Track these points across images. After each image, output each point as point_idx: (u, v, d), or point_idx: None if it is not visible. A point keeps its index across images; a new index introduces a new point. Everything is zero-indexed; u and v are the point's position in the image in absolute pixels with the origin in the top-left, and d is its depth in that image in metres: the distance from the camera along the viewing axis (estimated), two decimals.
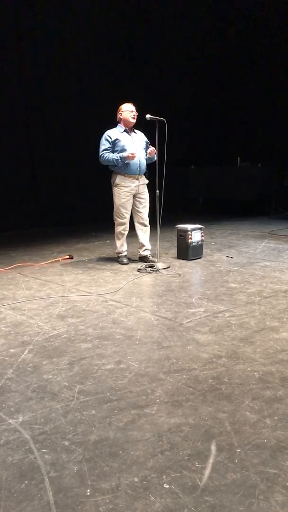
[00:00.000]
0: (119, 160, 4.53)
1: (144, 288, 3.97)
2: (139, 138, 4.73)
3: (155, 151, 4.62)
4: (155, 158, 4.68)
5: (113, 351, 2.61)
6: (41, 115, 7.84)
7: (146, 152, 4.76)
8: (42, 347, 2.69)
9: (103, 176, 4.97)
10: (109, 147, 4.60)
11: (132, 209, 4.79)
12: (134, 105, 4.70)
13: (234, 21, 9.72)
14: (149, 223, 4.89)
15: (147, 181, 4.80)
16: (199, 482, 1.53)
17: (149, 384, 2.20)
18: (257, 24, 9.42)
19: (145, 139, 4.81)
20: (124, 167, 4.57)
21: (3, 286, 4.09)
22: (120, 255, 4.92)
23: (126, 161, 4.52)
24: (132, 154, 4.47)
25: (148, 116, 4.39)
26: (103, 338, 2.80)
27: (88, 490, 1.51)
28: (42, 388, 2.20)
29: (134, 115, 4.62)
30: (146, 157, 4.74)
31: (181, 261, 4.94)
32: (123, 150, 4.57)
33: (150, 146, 4.77)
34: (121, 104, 4.70)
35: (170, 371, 2.33)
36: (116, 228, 4.83)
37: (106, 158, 4.58)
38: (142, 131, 4.84)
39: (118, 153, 4.56)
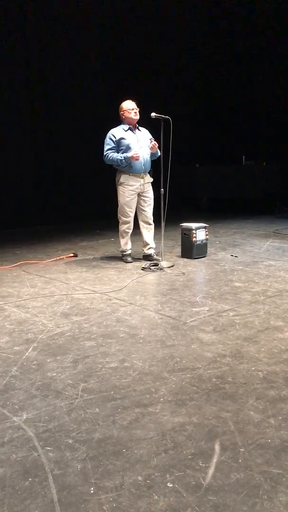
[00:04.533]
0: (123, 161, 4.52)
1: (148, 286, 3.97)
2: (144, 136, 4.71)
3: (157, 145, 4.61)
4: (159, 153, 4.66)
5: (117, 349, 2.61)
6: (46, 114, 7.84)
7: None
8: (46, 345, 2.70)
9: (107, 174, 4.97)
10: (113, 147, 4.60)
11: (136, 208, 4.78)
12: (134, 100, 4.66)
13: (238, 18, 9.67)
14: (154, 221, 4.89)
15: (151, 180, 4.79)
16: (202, 481, 1.53)
17: (153, 383, 2.20)
18: (261, 21, 9.36)
19: (150, 136, 4.78)
20: (128, 165, 4.56)
21: (7, 284, 4.10)
22: (124, 253, 4.92)
23: (130, 161, 4.51)
24: (136, 154, 4.46)
25: (153, 114, 4.38)
26: (107, 337, 2.80)
27: (92, 488, 1.51)
28: (46, 386, 2.20)
29: (135, 112, 4.60)
30: (149, 153, 4.72)
31: (185, 259, 4.93)
32: (128, 148, 4.55)
33: (152, 140, 4.74)
34: (121, 103, 4.66)
35: (174, 370, 2.33)
36: (120, 227, 4.83)
37: (111, 158, 4.58)
38: (147, 129, 4.82)
39: (122, 153, 4.56)
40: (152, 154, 4.71)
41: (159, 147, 4.69)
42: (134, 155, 4.45)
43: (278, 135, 9.39)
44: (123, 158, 4.51)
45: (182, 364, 2.39)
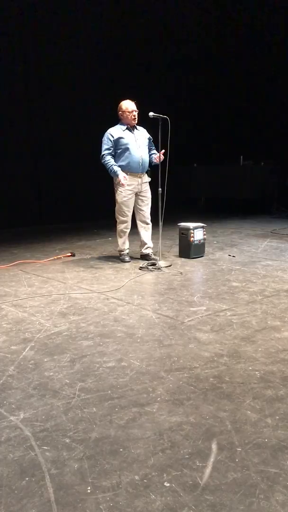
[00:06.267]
0: (111, 172, 4.56)
1: (145, 286, 3.97)
2: (142, 135, 4.71)
3: (163, 157, 4.61)
4: (158, 163, 4.64)
5: (115, 349, 2.61)
6: (44, 113, 7.83)
7: (149, 148, 4.75)
8: (44, 344, 2.70)
9: (105, 173, 4.97)
10: (111, 147, 4.59)
11: (134, 207, 4.78)
12: (133, 100, 4.64)
13: (237, 19, 9.68)
14: (151, 221, 4.89)
15: (149, 179, 4.79)
16: (199, 480, 1.53)
17: (150, 382, 2.20)
18: (260, 22, 9.38)
19: (148, 135, 4.78)
20: (126, 165, 4.56)
21: (5, 283, 4.09)
22: (122, 253, 4.92)
23: (117, 180, 4.53)
24: (122, 183, 4.48)
25: (151, 114, 4.37)
26: (104, 336, 2.80)
27: (89, 488, 1.51)
28: (43, 385, 2.20)
29: (134, 115, 4.59)
30: (151, 156, 4.74)
31: (183, 259, 4.94)
32: (126, 148, 4.56)
33: (154, 150, 4.76)
34: (121, 101, 4.64)
35: (171, 369, 2.33)
36: (118, 226, 4.83)
37: (107, 162, 4.57)
38: (145, 129, 4.82)
39: (120, 152, 4.56)
40: (150, 156, 4.73)
41: (156, 147, 4.70)
42: (121, 180, 4.46)
43: (275, 135, 9.40)
44: (114, 171, 4.53)
45: (179, 364, 2.39)
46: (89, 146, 6.42)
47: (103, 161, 4.62)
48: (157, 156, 4.62)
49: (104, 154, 4.60)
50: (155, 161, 4.66)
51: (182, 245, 5.04)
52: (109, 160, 4.57)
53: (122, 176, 4.49)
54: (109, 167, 4.57)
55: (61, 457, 1.67)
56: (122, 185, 4.50)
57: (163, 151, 4.59)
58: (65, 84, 7.96)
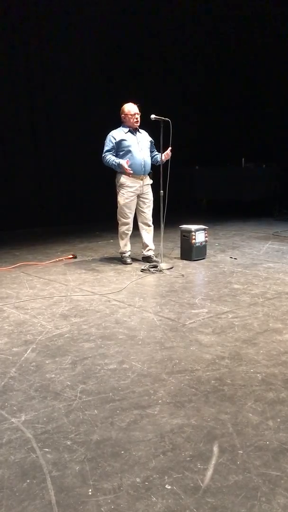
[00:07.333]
0: (116, 166, 4.56)
1: (147, 288, 3.97)
2: (144, 138, 4.73)
3: (170, 155, 4.63)
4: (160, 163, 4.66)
5: (116, 351, 2.61)
6: (46, 114, 7.85)
7: (151, 151, 4.77)
8: (45, 346, 2.70)
9: (107, 175, 4.98)
10: (112, 148, 4.61)
11: (136, 209, 4.79)
12: (136, 103, 4.66)
13: (239, 21, 9.69)
14: (153, 223, 4.89)
15: (151, 182, 4.80)
16: (201, 483, 1.53)
17: (151, 385, 2.20)
18: (262, 24, 9.39)
19: (150, 138, 4.80)
20: (128, 167, 4.56)
21: (6, 285, 4.10)
22: (124, 255, 4.92)
23: (122, 169, 4.52)
24: (128, 169, 4.48)
25: (153, 116, 4.38)
26: (106, 338, 2.80)
27: (90, 490, 1.51)
28: (45, 387, 2.20)
29: (137, 118, 4.61)
30: (155, 157, 4.75)
31: (184, 261, 4.94)
32: (128, 150, 4.57)
33: (156, 152, 4.78)
34: (124, 103, 4.66)
35: (173, 371, 2.33)
36: (119, 228, 4.83)
37: (108, 160, 4.60)
38: (147, 131, 4.83)
39: (122, 154, 4.58)
40: (155, 160, 4.75)
41: (158, 149, 4.71)
42: (126, 168, 4.46)
43: (277, 137, 9.40)
44: (117, 164, 4.54)
45: (181, 366, 2.39)
46: (91, 148, 6.42)
47: (104, 161, 4.63)
48: (165, 153, 4.63)
49: (105, 155, 4.62)
50: (163, 158, 4.64)
51: (183, 247, 5.04)
52: (109, 157, 4.59)
53: (124, 161, 4.49)
54: (111, 163, 4.59)
55: (62, 459, 1.67)
56: (127, 170, 4.49)
57: (170, 148, 4.61)
58: (68, 86, 7.98)
